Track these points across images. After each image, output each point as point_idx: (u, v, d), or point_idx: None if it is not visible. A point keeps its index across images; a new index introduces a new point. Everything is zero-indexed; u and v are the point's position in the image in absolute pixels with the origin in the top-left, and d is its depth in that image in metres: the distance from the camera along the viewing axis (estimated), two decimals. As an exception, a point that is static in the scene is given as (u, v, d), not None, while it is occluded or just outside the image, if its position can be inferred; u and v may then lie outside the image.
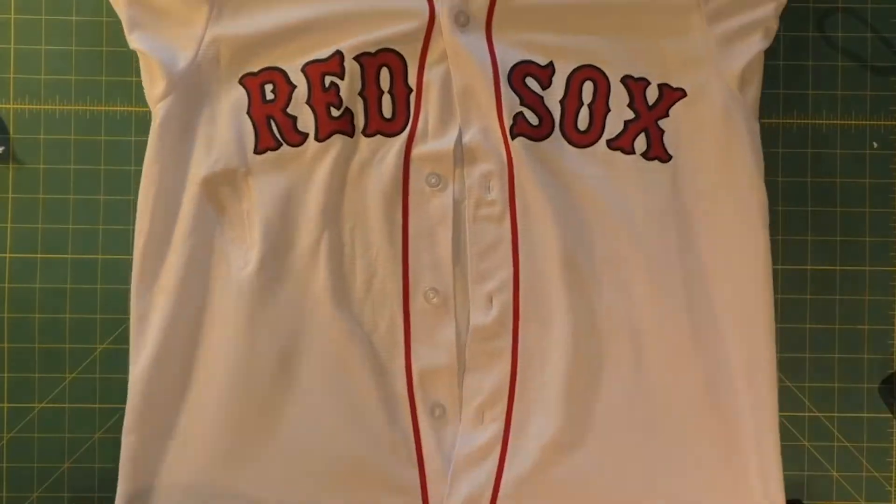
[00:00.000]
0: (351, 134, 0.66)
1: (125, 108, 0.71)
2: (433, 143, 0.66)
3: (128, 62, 0.70)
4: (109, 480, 0.69)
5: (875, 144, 0.73)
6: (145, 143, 0.70)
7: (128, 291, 0.66)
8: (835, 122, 0.73)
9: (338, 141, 0.66)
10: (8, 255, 0.70)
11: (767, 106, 0.71)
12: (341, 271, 0.66)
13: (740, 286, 0.66)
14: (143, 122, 0.71)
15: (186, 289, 0.64)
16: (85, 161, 0.71)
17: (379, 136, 0.66)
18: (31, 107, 0.71)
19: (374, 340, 0.66)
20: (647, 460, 0.65)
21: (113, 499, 0.69)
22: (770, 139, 0.72)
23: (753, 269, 0.66)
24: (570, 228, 0.65)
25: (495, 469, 0.65)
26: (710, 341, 0.66)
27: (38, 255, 0.70)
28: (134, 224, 0.66)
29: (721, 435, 0.65)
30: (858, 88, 0.73)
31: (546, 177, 0.65)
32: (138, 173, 0.70)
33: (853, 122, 0.73)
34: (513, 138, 0.65)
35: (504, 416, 0.65)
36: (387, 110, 0.66)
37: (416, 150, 0.66)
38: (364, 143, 0.66)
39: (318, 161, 0.66)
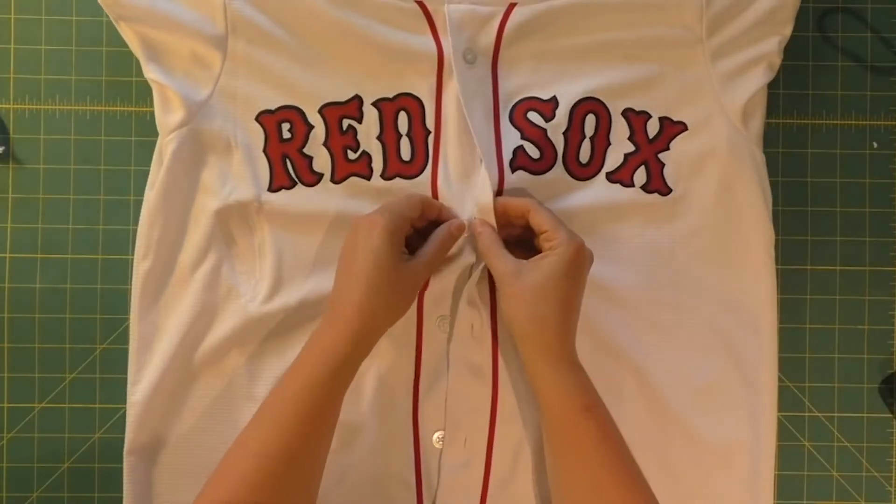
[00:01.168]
0: (368, 177, 0.66)
1: (125, 108, 0.71)
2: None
3: (128, 62, 0.70)
4: (109, 480, 0.70)
5: (875, 144, 0.73)
6: (145, 143, 0.70)
7: (128, 291, 0.66)
8: (835, 122, 0.73)
9: (354, 183, 0.66)
10: (8, 255, 0.70)
11: (768, 106, 0.71)
12: None
13: (744, 323, 0.66)
14: (143, 122, 0.71)
15: (193, 318, 0.65)
16: (85, 161, 0.71)
17: (398, 179, 0.66)
18: (31, 107, 0.71)
19: (382, 370, 0.66)
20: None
21: (113, 499, 0.70)
22: (770, 139, 0.72)
23: (757, 306, 0.66)
24: None
25: (482, 472, 0.66)
26: (708, 379, 0.67)
27: (38, 255, 0.70)
28: (134, 224, 0.67)
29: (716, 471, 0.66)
30: (858, 88, 0.73)
31: None
32: (138, 173, 0.70)
33: (853, 122, 0.73)
34: (513, 171, 0.65)
35: (487, 436, 0.66)
36: (405, 153, 0.66)
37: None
38: (383, 186, 0.66)
39: (333, 202, 0.66)
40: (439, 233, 0.63)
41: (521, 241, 0.65)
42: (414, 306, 0.65)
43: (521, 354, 0.61)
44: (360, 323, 0.59)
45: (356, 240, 0.60)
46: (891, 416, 0.72)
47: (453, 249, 0.65)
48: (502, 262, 0.61)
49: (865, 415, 0.72)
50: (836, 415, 0.72)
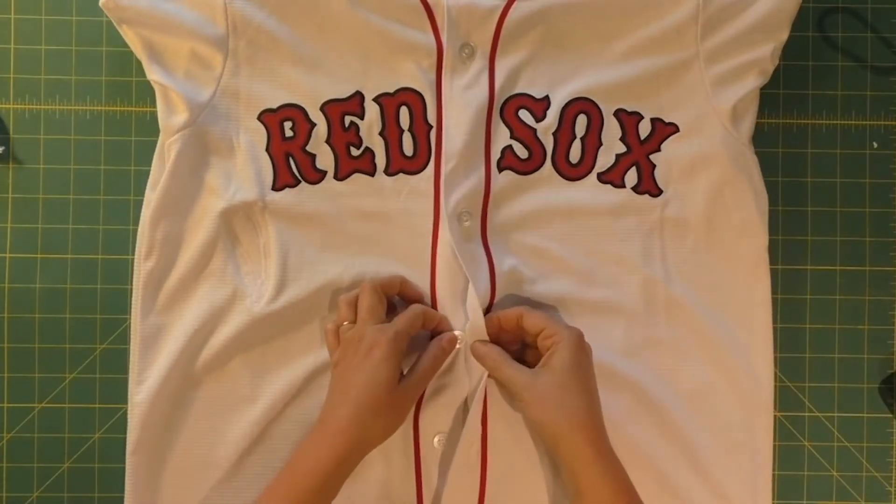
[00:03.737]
0: (372, 173, 0.66)
1: (125, 108, 0.71)
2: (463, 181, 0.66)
3: (128, 62, 0.70)
4: (109, 480, 0.70)
5: (875, 144, 0.73)
6: (145, 143, 0.70)
7: (128, 292, 0.66)
8: (835, 122, 0.73)
9: (358, 179, 0.66)
10: (8, 255, 0.70)
11: (767, 106, 0.71)
12: None
13: (737, 324, 0.66)
14: (143, 122, 0.71)
15: (199, 319, 0.65)
16: (85, 161, 0.71)
17: (402, 175, 0.66)
18: (31, 107, 0.71)
19: None
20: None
21: (113, 499, 0.70)
22: (770, 139, 0.72)
23: (751, 306, 0.66)
24: (551, 263, 0.66)
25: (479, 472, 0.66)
26: (702, 382, 0.67)
27: (38, 255, 0.70)
28: (134, 224, 0.67)
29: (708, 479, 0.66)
30: (858, 88, 0.73)
31: (527, 209, 0.66)
32: (138, 173, 0.70)
33: (853, 122, 0.73)
34: (500, 171, 0.66)
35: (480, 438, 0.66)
36: (408, 148, 0.66)
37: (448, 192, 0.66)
38: (387, 182, 0.66)
39: (337, 199, 0.66)
40: (431, 349, 0.64)
41: (514, 346, 0.66)
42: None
43: (560, 458, 0.61)
44: (349, 444, 0.59)
45: (356, 357, 0.60)
46: (891, 416, 0.72)
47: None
48: (516, 373, 0.62)
49: (865, 415, 0.72)
50: (836, 415, 0.72)
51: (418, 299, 0.66)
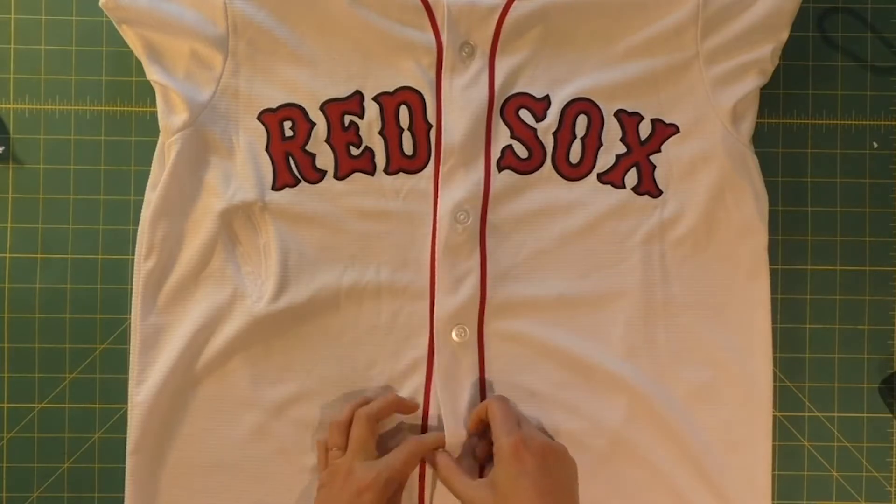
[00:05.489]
0: (371, 172, 0.66)
1: (125, 108, 0.71)
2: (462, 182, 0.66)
3: (128, 62, 0.70)
4: (109, 480, 0.70)
5: (875, 144, 0.73)
6: (145, 143, 0.70)
7: (128, 291, 0.66)
8: (835, 122, 0.73)
9: (358, 179, 0.66)
10: (8, 255, 0.70)
11: (767, 106, 0.71)
12: (361, 306, 0.66)
13: (736, 324, 0.66)
14: (143, 122, 0.71)
15: (199, 319, 0.65)
16: (85, 161, 0.71)
17: (402, 174, 0.66)
18: (31, 107, 0.71)
19: (391, 375, 0.66)
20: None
21: (113, 499, 0.70)
22: (770, 139, 0.72)
23: (750, 306, 0.66)
24: (550, 263, 0.66)
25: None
26: (700, 382, 0.67)
27: (38, 255, 0.70)
28: (134, 224, 0.67)
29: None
30: (858, 88, 0.73)
31: (526, 209, 0.66)
32: (138, 173, 0.70)
33: (853, 122, 0.73)
34: (499, 171, 0.66)
35: None
36: (408, 147, 0.66)
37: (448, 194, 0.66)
38: (386, 181, 0.66)
39: (337, 199, 0.66)
40: (409, 447, 0.63)
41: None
42: (427, 312, 0.66)
43: None
44: None
45: (342, 492, 0.59)
46: (891, 416, 0.72)
47: None
48: (462, 486, 0.61)
49: (865, 415, 0.72)
50: (836, 415, 0.72)
51: (413, 412, 0.65)
